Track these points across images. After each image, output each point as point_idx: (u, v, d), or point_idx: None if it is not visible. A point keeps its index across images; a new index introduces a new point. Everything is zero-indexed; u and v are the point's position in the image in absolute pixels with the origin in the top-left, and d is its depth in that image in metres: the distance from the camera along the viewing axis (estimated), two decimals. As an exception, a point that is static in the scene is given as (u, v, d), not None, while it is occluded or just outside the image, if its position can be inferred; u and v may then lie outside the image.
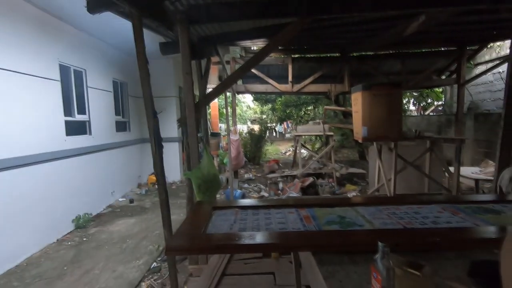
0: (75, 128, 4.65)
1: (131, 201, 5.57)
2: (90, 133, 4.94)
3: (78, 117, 4.66)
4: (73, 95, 4.53)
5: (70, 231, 4.17)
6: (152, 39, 3.47)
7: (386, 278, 0.93)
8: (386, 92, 3.52)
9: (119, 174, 5.88)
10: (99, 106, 5.23)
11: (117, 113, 5.99)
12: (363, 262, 1.26)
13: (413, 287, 0.97)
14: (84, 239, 3.93)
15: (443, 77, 6.30)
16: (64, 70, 4.31)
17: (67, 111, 4.35)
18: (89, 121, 4.92)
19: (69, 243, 3.81)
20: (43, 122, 3.78)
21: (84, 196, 4.60)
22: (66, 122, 4.25)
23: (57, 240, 3.88)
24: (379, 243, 0.95)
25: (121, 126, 6.22)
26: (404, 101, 10.03)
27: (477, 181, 4.12)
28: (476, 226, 1.54)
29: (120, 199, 5.73)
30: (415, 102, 10.67)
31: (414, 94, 10.12)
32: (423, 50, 5.86)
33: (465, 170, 4.41)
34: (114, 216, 4.82)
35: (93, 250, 3.58)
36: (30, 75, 3.58)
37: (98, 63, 5.22)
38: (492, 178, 3.30)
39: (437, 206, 1.90)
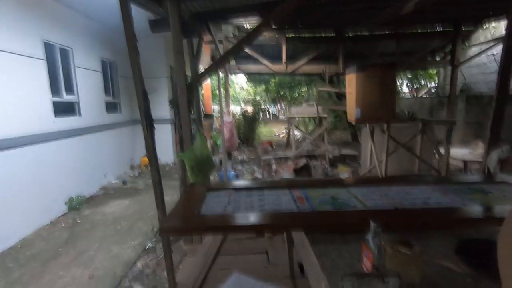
0: (63, 109, 4.52)
1: (124, 182, 5.56)
2: (80, 114, 4.82)
3: (67, 98, 4.52)
4: (60, 75, 4.37)
5: (64, 213, 4.16)
6: (141, 16, 3.32)
7: (377, 257, 0.95)
8: (380, 74, 3.49)
9: (112, 156, 5.82)
10: (88, 86, 5.07)
11: (107, 93, 5.84)
12: (355, 241, 1.29)
13: (403, 265, 1.00)
14: (78, 220, 3.94)
15: (438, 58, 6.27)
16: (49, 48, 4.13)
17: (55, 91, 4.21)
18: (78, 102, 4.79)
19: (63, 224, 3.81)
20: (30, 103, 3.66)
21: (76, 178, 4.56)
22: (54, 103, 4.13)
23: (51, 221, 3.88)
24: (371, 223, 0.97)
25: (111, 107, 6.08)
26: (398, 83, 10.02)
27: (466, 162, 4.21)
28: (464, 206, 1.58)
29: (113, 181, 5.71)
30: (408, 83, 10.67)
31: (408, 75, 10.10)
32: (419, 31, 5.78)
33: (455, 152, 4.49)
34: (107, 198, 4.81)
35: (88, 231, 3.60)
36: (12, 53, 3.42)
37: (85, 42, 5.01)
38: (480, 159, 3.37)
39: (427, 186, 1.94)
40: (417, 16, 4.52)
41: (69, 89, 4.62)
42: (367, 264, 0.98)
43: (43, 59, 3.91)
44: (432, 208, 1.56)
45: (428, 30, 5.85)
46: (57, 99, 4.25)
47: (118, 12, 1.75)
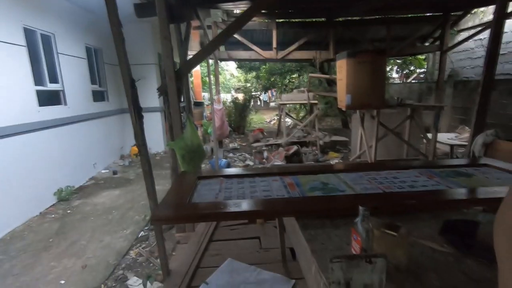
0: (48, 98, 4.39)
1: (115, 172, 5.50)
2: (66, 103, 4.69)
3: (51, 86, 4.37)
4: (42, 63, 4.21)
5: (53, 204, 4.11)
6: (126, 0, 3.20)
7: (365, 240, 0.98)
8: (371, 60, 3.49)
9: (100, 146, 5.73)
10: (73, 74, 4.91)
11: (93, 81, 5.67)
12: (344, 225, 1.32)
13: (390, 247, 1.03)
14: (68, 211, 3.90)
15: (427, 43, 6.29)
16: (30, 34, 3.95)
17: (38, 80, 4.06)
18: (63, 91, 4.64)
19: (53, 215, 3.77)
20: (11, 92, 3.52)
21: (65, 169, 4.48)
22: (38, 92, 3.99)
23: (40, 213, 3.83)
24: (360, 207, 0.99)
25: (98, 96, 5.93)
26: (388, 69, 10.06)
27: (452, 146, 4.32)
28: (449, 189, 1.63)
29: (103, 171, 5.64)
30: (398, 69, 10.73)
31: (398, 61, 10.14)
32: (409, 16, 5.76)
33: (442, 136, 4.60)
34: (97, 188, 4.77)
35: (78, 222, 3.58)
36: (-10, 39, 3.26)
37: (68, 27, 4.81)
38: (466, 143, 3.46)
39: (414, 171, 1.98)
40: (407, 1, 4.50)
41: (53, 77, 4.47)
42: (355, 247, 1.01)
43: (23, 46, 3.75)
44: (418, 191, 1.61)
45: (418, 15, 5.85)
46: (40, 87, 4.11)
47: (100, -4, 1.68)
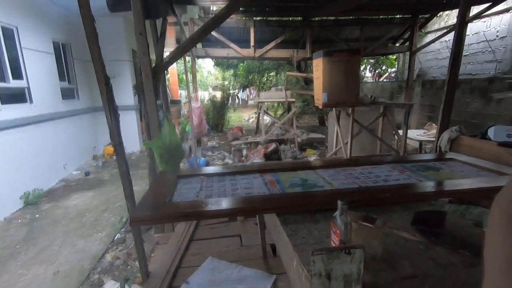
0: (12, 96, 4.10)
1: (87, 173, 5.27)
2: (31, 101, 4.41)
3: (14, 83, 4.10)
4: (4, 58, 3.93)
5: (19, 208, 3.86)
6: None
7: (344, 232, 1.02)
8: (346, 59, 3.59)
9: (71, 146, 5.45)
10: (39, 70, 4.63)
11: (61, 78, 5.38)
12: (323, 219, 1.36)
13: (367, 238, 1.09)
14: (37, 215, 3.69)
15: (397, 44, 6.59)
16: (-12, 27, 3.68)
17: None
18: (28, 88, 4.36)
19: (19, 221, 3.55)
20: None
21: (32, 171, 4.22)
22: (0, 89, 3.72)
23: (5, 218, 3.59)
24: (339, 201, 1.03)
25: (68, 94, 5.63)
26: (362, 68, 10.40)
27: (421, 142, 4.56)
28: (419, 182, 1.73)
29: (74, 172, 5.38)
30: (371, 68, 11.13)
31: (371, 61, 10.52)
32: (380, 17, 5.99)
33: (412, 133, 4.84)
34: (69, 190, 4.54)
35: (48, 226, 3.39)
36: None
37: (32, 20, 4.51)
38: (434, 139, 3.67)
39: (387, 166, 2.08)
40: (378, 3, 4.68)
41: (17, 73, 4.19)
42: (335, 240, 1.05)
43: (-18, 39, 3.48)
44: (391, 185, 1.69)
45: (389, 17, 6.11)
46: (3, 84, 3.83)
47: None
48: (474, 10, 4.59)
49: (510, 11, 5.28)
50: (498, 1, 4.17)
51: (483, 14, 4.55)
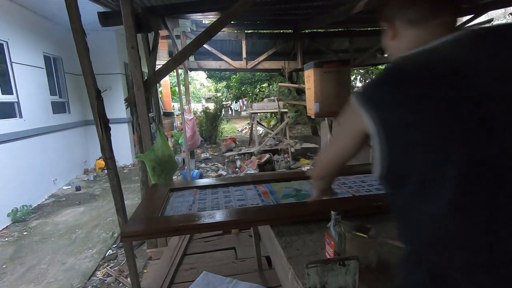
0: (1, 111, 4.04)
1: (78, 188, 5.16)
2: (21, 116, 4.35)
3: (3, 98, 4.05)
4: (-7, 72, 3.90)
5: (6, 226, 3.74)
6: (90, 9, 3.09)
7: (338, 243, 1.01)
8: (337, 69, 3.67)
9: (61, 160, 5.35)
10: (30, 84, 4.59)
11: (52, 92, 5.33)
12: (318, 230, 1.35)
13: (361, 248, 1.08)
14: (25, 233, 3.57)
15: (386, 55, 6.76)
16: (-22, 41, 3.65)
17: (-12, 90, 3.74)
18: (18, 102, 4.31)
19: (6, 239, 3.44)
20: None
21: (20, 187, 4.12)
22: (-12, 104, 3.67)
23: (-9, 237, 3.47)
24: (332, 212, 1.02)
25: (59, 108, 5.58)
26: (352, 78, 10.62)
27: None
28: (412, 190, 1.74)
29: (65, 187, 5.26)
30: (361, 78, 11.36)
31: (361, 71, 10.75)
32: (369, 29, 6.16)
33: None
34: (59, 206, 4.43)
35: (37, 244, 3.29)
36: None
37: (23, 35, 4.50)
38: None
39: (380, 174, 2.09)
40: (367, 15, 4.83)
41: (7, 88, 4.14)
42: (329, 251, 1.04)
43: (-29, 54, 3.45)
44: (384, 193, 1.70)
45: (378, 29, 6.28)
46: (-9, 99, 3.79)
47: (61, 2, 1.61)
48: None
49: (491, 22, 5.50)
50: (480, 12, 4.34)
51: (465, 26, 4.73)
